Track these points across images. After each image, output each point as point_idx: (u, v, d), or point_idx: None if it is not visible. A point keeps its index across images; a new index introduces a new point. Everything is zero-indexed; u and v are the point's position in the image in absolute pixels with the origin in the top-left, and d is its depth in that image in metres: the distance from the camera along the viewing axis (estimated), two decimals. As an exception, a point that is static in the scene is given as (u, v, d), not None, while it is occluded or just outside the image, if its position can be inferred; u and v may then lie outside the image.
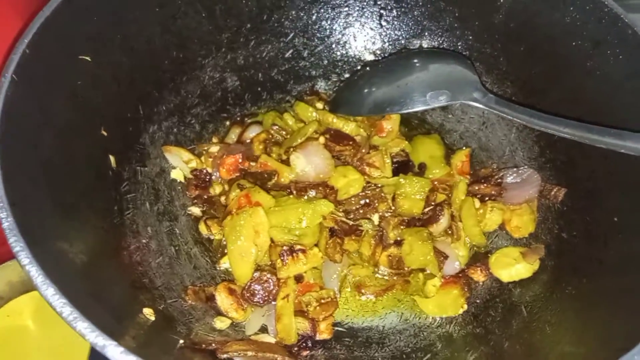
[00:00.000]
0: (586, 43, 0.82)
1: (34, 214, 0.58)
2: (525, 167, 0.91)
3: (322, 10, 1.00)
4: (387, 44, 1.03)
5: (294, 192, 0.83)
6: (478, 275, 0.84)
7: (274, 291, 0.76)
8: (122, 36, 0.79)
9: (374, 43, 1.03)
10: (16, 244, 0.51)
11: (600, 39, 0.80)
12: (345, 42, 1.04)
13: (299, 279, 0.79)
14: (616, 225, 0.73)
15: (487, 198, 0.90)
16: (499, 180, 0.91)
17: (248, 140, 0.93)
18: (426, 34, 1.00)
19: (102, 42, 0.76)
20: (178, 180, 0.89)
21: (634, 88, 0.76)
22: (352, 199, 0.85)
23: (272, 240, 0.79)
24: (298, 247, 0.77)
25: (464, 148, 0.96)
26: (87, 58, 0.73)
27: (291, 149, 0.87)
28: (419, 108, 0.85)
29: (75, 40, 0.72)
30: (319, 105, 0.99)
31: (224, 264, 0.82)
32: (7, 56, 0.65)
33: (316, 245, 0.80)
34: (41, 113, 0.66)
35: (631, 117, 0.75)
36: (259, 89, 1.02)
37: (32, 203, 0.59)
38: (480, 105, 0.83)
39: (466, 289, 0.83)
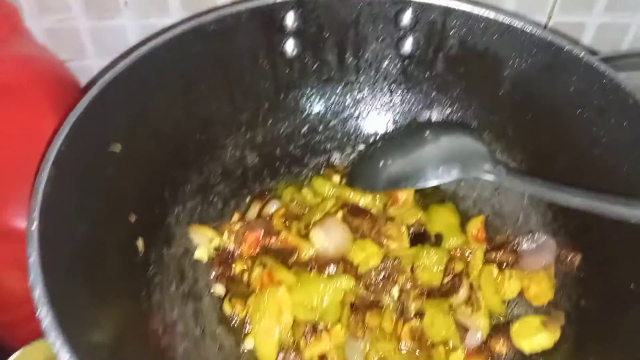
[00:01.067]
0: (590, 111, 0.85)
1: (71, 308, 0.60)
2: (540, 233, 0.93)
3: (334, 87, 1.05)
4: (398, 115, 1.07)
5: (315, 268, 0.85)
6: (500, 347, 0.84)
7: (299, 371, 0.77)
8: (149, 124, 0.84)
9: (385, 115, 1.08)
10: (56, 340, 0.54)
11: (604, 107, 0.83)
12: (358, 115, 1.08)
13: (322, 357, 0.80)
14: (635, 294, 0.74)
15: (504, 266, 0.92)
16: (515, 247, 0.93)
17: (268, 216, 0.96)
18: (435, 105, 1.04)
19: (131, 132, 0.80)
20: (202, 260, 0.92)
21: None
22: (372, 272, 0.86)
23: (295, 319, 0.80)
24: (321, 325, 0.79)
25: (478, 214, 0.99)
26: (116, 150, 0.77)
27: (310, 225, 0.89)
28: (432, 183, 0.88)
29: (105, 133, 0.76)
30: (336, 178, 1.03)
31: (249, 343, 0.84)
32: (44, 152, 0.69)
33: (338, 321, 0.82)
34: (77, 206, 0.69)
35: (639, 185, 0.77)
36: (277, 164, 1.05)
37: (68, 296, 0.61)
38: (491, 178, 0.85)
39: (490, 362, 0.83)
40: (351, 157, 1.09)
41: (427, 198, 1.04)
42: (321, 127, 1.08)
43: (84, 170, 0.72)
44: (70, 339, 0.54)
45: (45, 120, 0.82)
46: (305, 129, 1.06)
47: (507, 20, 0.89)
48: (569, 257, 0.87)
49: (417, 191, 1.01)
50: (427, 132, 0.97)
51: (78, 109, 0.72)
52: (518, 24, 0.89)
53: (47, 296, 0.57)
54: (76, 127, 0.71)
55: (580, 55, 0.85)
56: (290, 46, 0.97)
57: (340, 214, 0.91)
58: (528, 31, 0.88)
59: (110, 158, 0.77)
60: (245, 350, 0.84)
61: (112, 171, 0.77)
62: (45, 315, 0.55)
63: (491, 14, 0.90)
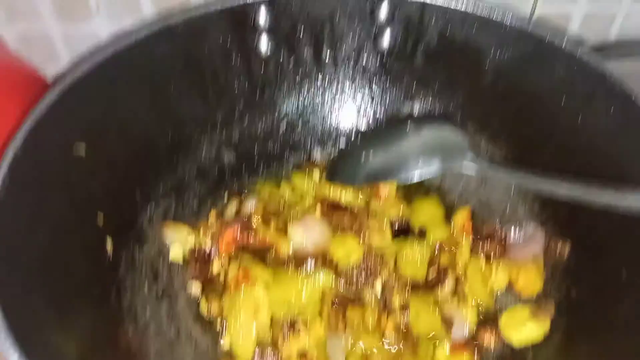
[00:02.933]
0: (575, 100, 0.83)
1: (26, 312, 0.57)
2: (528, 223, 0.90)
3: (312, 84, 1.03)
4: (378, 110, 1.05)
5: (292, 265, 0.82)
6: (488, 339, 0.81)
7: (277, 369, 0.74)
8: (117, 123, 0.81)
9: (365, 110, 1.05)
10: (5, 340, 0.50)
11: (589, 95, 0.81)
12: (338, 111, 1.06)
13: (302, 355, 0.76)
14: (625, 282, 0.71)
15: (492, 257, 0.88)
16: (502, 238, 0.90)
17: (246, 214, 0.93)
18: (416, 98, 1.02)
19: (97, 132, 0.77)
20: (177, 259, 0.89)
21: (626, 144, 0.76)
22: (353, 267, 0.83)
23: (272, 316, 0.77)
24: (299, 321, 0.76)
25: (465, 206, 0.96)
26: (81, 154, 0.74)
27: (288, 222, 0.86)
28: (413, 176, 0.86)
29: (69, 135, 0.73)
30: (316, 174, 1.00)
31: (225, 343, 0.80)
32: (3, 149, 0.66)
33: (318, 317, 0.78)
34: (35, 214, 0.66)
35: (626, 172, 0.75)
36: (256, 161, 1.03)
37: (24, 301, 0.58)
38: (473, 171, 0.83)
39: (476, 355, 0.79)
40: (332, 152, 1.06)
41: (412, 192, 1.01)
42: (300, 124, 1.05)
43: (44, 174, 0.69)
44: (20, 341, 0.51)
45: (7, 113, 0.78)
46: (283, 126, 1.04)
47: (485, 12, 0.87)
48: (558, 247, 0.84)
49: (401, 186, 0.99)
50: (408, 125, 0.94)
51: (37, 111, 0.69)
52: (497, 16, 0.87)
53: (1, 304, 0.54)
54: (35, 130, 0.68)
55: (562, 46, 0.83)
56: (264, 44, 0.94)
57: (319, 210, 0.88)
58: (508, 23, 0.86)
59: (74, 161, 0.74)
60: (223, 350, 0.80)
61: (76, 174, 0.73)
62: (-3, 325, 0.52)
63: (469, 7, 0.88)
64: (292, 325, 0.75)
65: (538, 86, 0.87)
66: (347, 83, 1.04)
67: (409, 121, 0.98)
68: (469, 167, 0.84)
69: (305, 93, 1.03)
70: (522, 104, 0.90)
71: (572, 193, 0.72)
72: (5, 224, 0.60)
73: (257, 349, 0.76)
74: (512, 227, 0.90)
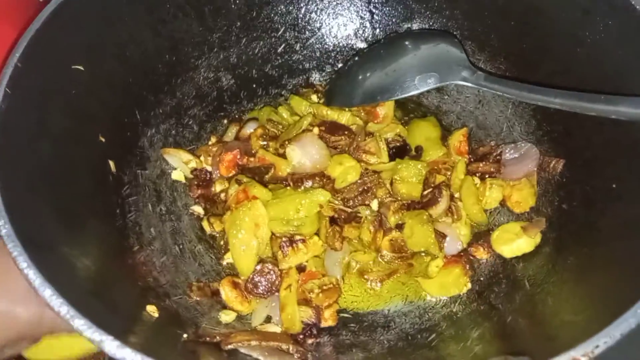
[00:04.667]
0: (575, 12, 0.80)
1: (33, 221, 0.60)
2: (523, 141, 0.90)
3: (310, 2, 1.00)
4: (377, 30, 1.03)
5: (291, 183, 0.84)
6: (480, 253, 0.84)
7: (277, 282, 0.77)
8: (114, 43, 0.81)
9: (364, 30, 1.04)
10: (14, 249, 0.53)
11: (589, 7, 0.79)
12: (336, 31, 1.04)
13: (301, 268, 0.80)
14: (614, 192, 0.72)
15: (486, 176, 0.90)
16: (497, 157, 0.91)
17: (246, 137, 0.94)
18: (416, 16, 1.00)
19: (95, 51, 0.77)
20: (179, 181, 0.91)
21: (625, 54, 0.75)
22: (351, 186, 0.85)
23: (272, 233, 0.80)
24: (298, 237, 0.78)
25: (462, 128, 0.96)
26: (80, 67, 0.75)
27: (286, 142, 0.88)
28: (409, 93, 0.86)
29: (67, 50, 0.74)
30: (314, 97, 1.00)
31: (228, 259, 0.84)
32: (2, 63, 0.67)
33: (317, 234, 0.81)
34: (37, 123, 0.68)
35: (624, 83, 0.74)
36: (254, 85, 1.03)
37: (31, 210, 0.60)
38: (470, 84, 0.83)
39: (468, 268, 0.83)
40: (331, 75, 1.05)
41: (410, 114, 1.01)
42: (298, 46, 1.04)
43: (44, 88, 0.70)
44: (29, 249, 0.54)
45: (2, 33, 0.78)
46: (281, 48, 1.03)
47: None
48: (552, 164, 0.85)
49: (399, 107, 0.99)
50: (407, 41, 0.92)
51: (35, 24, 0.69)
52: None
53: (5, 208, 0.56)
54: (33, 44, 0.68)
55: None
56: (260, -44, 0.92)
57: (316, 130, 0.89)
58: None
59: (73, 76, 0.74)
60: (226, 264, 0.84)
61: (75, 89, 0.74)
62: (2, 225, 0.55)
63: None
64: (291, 241, 0.78)
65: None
66: (346, 1, 1.01)
67: (408, 37, 0.95)
68: (466, 81, 0.83)
69: (303, 11, 1.01)
70: (522, 19, 0.88)
71: (567, 102, 0.72)
72: (10, 132, 0.62)
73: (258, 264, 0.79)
74: (508, 146, 0.91)
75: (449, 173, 0.91)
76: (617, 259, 0.65)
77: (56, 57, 0.72)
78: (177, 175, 0.90)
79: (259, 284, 0.77)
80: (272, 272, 0.77)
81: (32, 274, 0.52)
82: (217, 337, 0.68)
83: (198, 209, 0.89)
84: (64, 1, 0.72)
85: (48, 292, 0.51)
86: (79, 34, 0.75)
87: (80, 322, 0.49)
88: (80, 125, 0.75)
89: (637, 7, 0.73)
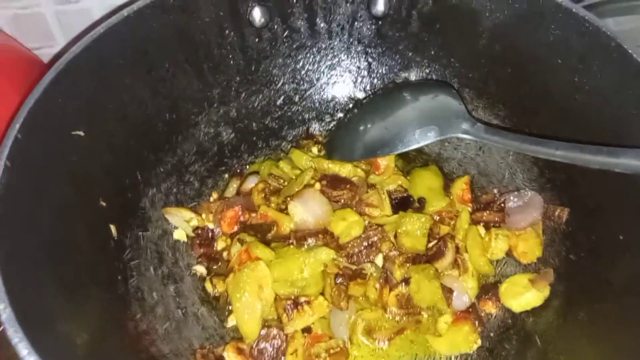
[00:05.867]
0: (571, 59, 0.81)
1: (34, 300, 0.58)
2: (527, 189, 0.90)
3: (308, 55, 1.01)
4: (375, 79, 1.04)
5: (294, 242, 0.83)
6: (489, 307, 0.83)
7: (283, 347, 0.76)
8: (113, 106, 0.81)
9: (362, 80, 1.04)
10: (15, 335, 0.52)
11: (585, 53, 0.79)
12: (335, 82, 1.05)
13: (307, 330, 0.78)
14: (622, 244, 0.71)
15: (491, 225, 0.89)
16: (501, 206, 0.90)
17: (247, 192, 0.94)
18: (413, 65, 1.01)
19: (94, 115, 0.77)
20: (181, 241, 0.90)
21: (623, 101, 0.75)
22: (354, 241, 0.84)
23: (276, 294, 0.79)
24: (303, 298, 0.77)
25: (463, 175, 0.96)
26: (80, 133, 0.75)
27: (288, 198, 0.87)
28: (410, 147, 0.85)
29: (67, 117, 0.73)
30: (315, 149, 1.00)
31: (232, 321, 0.82)
32: (4, 133, 0.66)
33: (322, 294, 0.80)
34: (38, 195, 0.67)
35: (623, 131, 0.74)
36: (255, 138, 1.03)
37: (32, 288, 0.59)
38: (470, 137, 0.82)
39: (478, 323, 0.81)
40: (331, 125, 1.06)
41: (411, 163, 1.01)
42: (297, 97, 1.04)
43: (45, 157, 0.69)
44: (29, 334, 0.53)
45: (6, 97, 0.79)
46: (280, 100, 1.03)
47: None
48: (557, 212, 0.84)
49: (400, 157, 0.99)
50: (405, 93, 0.93)
51: (34, 94, 0.69)
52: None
53: (5, 289, 0.55)
54: (33, 113, 0.68)
55: (559, 1, 0.80)
56: (257, 14, 0.92)
57: (318, 186, 0.88)
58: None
59: (74, 142, 0.74)
60: (230, 327, 0.83)
61: (76, 156, 0.74)
62: (3, 310, 0.54)
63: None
64: (296, 303, 0.77)
65: (534, 46, 0.85)
66: (343, 53, 1.02)
67: (406, 88, 0.96)
68: (466, 134, 0.83)
69: (301, 65, 1.02)
70: (518, 66, 0.89)
71: (568, 156, 0.71)
72: (10, 207, 0.61)
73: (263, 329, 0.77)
74: (511, 194, 0.90)
75: (452, 222, 0.90)
76: (630, 316, 0.63)
77: (56, 125, 0.72)
78: (179, 234, 0.90)
79: (265, 350, 0.76)
80: (277, 337, 0.76)
81: (33, 361, 0.50)
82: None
83: (201, 269, 0.88)
84: (63, 68, 0.72)
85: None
86: (79, 99, 0.75)
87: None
88: (81, 191, 0.75)
89: (634, 55, 0.74)
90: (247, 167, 1.01)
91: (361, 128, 0.94)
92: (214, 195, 0.96)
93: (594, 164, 0.69)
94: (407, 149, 0.86)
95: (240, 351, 0.76)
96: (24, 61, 0.98)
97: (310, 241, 0.82)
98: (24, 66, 0.96)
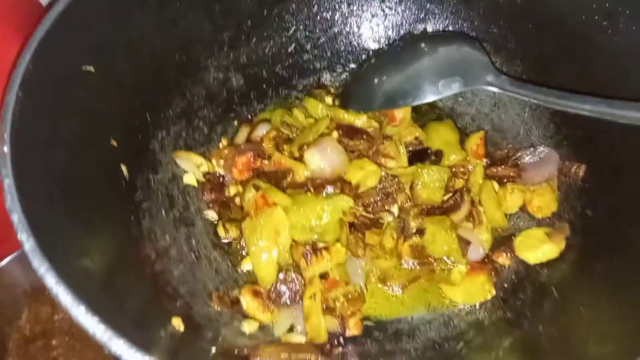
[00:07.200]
0: (597, 16, 0.80)
1: (54, 233, 0.56)
2: (542, 146, 0.89)
3: (322, 1, 0.98)
4: (390, 30, 1.01)
5: (311, 189, 0.81)
6: (504, 259, 0.83)
7: (301, 291, 0.75)
8: (123, 44, 0.77)
9: (377, 31, 1.02)
10: (40, 266, 0.50)
11: (612, 10, 0.78)
12: (348, 31, 1.02)
13: (324, 276, 0.77)
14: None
15: (505, 180, 0.89)
16: (516, 161, 0.90)
17: (258, 139, 0.92)
18: (430, 17, 0.98)
19: (104, 52, 0.74)
20: (191, 185, 0.88)
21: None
22: (371, 191, 0.83)
23: (293, 240, 0.77)
24: (320, 244, 0.76)
25: (477, 131, 0.95)
26: (90, 69, 0.71)
27: (304, 146, 0.85)
28: (432, 98, 0.84)
29: (77, 52, 0.70)
30: (328, 99, 0.98)
31: (246, 266, 0.81)
32: (9, 75, 0.63)
33: (338, 241, 0.79)
34: (51, 129, 0.64)
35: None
36: (264, 85, 1.00)
37: (50, 222, 0.57)
38: (495, 89, 0.81)
39: (493, 274, 0.82)
40: (342, 76, 1.03)
41: (424, 116, 0.99)
42: (309, 46, 1.01)
43: (55, 90, 0.66)
44: (55, 265, 0.51)
45: (6, 39, 0.74)
46: (292, 47, 1.00)
47: None
48: (573, 169, 0.84)
49: (413, 109, 0.97)
50: (423, 44, 0.91)
51: (43, 26, 0.65)
52: None
53: (27, 221, 0.53)
54: (43, 45, 0.64)
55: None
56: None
57: (335, 134, 0.87)
58: None
59: (84, 79, 0.70)
60: (244, 271, 0.82)
61: (86, 93, 0.70)
62: (26, 240, 0.51)
63: None
64: (315, 249, 0.76)
65: (559, 1, 0.83)
66: (357, 1, 0.99)
67: (424, 39, 0.93)
68: (491, 86, 0.82)
69: (315, 11, 0.98)
70: (541, 21, 0.87)
71: (596, 110, 0.71)
72: (24, 139, 0.58)
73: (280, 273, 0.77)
74: (526, 150, 0.90)
75: (466, 177, 0.90)
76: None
77: (66, 59, 0.69)
78: (189, 179, 0.87)
79: (283, 293, 0.75)
80: (295, 281, 0.75)
81: (63, 291, 0.48)
82: (245, 350, 0.65)
83: (212, 214, 0.86)
84: (73, 1, 0.68)
85: (82, 310, 0.47)
86: (88, 35, 0.72)
87: (118, 343, 0.46)
88: (93, 129, 0.72)
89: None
90: (257, 114, 0.98)
91: (377, 79, 0.92)
92: (224, 142, 0.94)
93: (624, 119, 0.69)
94: (429, 100, 0.84)
95: (256, 294, 0.75)
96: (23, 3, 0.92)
97: (329, 189, 0.80)
98: (24, 8, 0.90)
